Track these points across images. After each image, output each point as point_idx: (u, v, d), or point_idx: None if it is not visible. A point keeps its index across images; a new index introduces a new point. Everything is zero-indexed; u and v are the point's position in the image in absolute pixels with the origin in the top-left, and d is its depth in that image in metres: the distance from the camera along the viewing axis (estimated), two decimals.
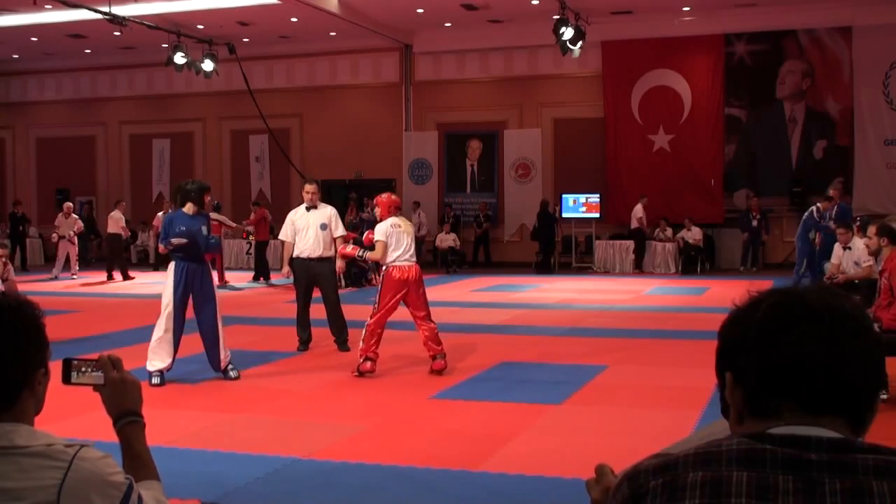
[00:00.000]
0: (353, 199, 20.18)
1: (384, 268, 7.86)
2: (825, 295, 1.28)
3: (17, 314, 1.74)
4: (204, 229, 7.87)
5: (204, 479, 5.02)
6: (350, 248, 8.46)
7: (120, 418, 1.94)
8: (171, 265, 7.84)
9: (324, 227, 9.25)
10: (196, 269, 7.79)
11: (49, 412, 1.92)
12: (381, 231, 7.84)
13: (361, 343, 7.87)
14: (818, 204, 14.30)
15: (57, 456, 1.66)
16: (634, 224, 19.67)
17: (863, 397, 1.26)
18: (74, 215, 19.43)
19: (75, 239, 19.12)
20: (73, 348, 8.93)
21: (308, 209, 9.32)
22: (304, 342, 9.51)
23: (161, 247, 8.05)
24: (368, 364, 7.82)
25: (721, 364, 1.33)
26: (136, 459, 1.90)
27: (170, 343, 7.62)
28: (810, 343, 1.24)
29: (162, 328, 7.63)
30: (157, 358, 7.59)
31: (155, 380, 7.53)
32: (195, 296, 7.79)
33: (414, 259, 7.92)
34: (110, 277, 18.32)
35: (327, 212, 9.37)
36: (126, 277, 18.17)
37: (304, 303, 9.46)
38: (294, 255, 9.37)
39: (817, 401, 1.24)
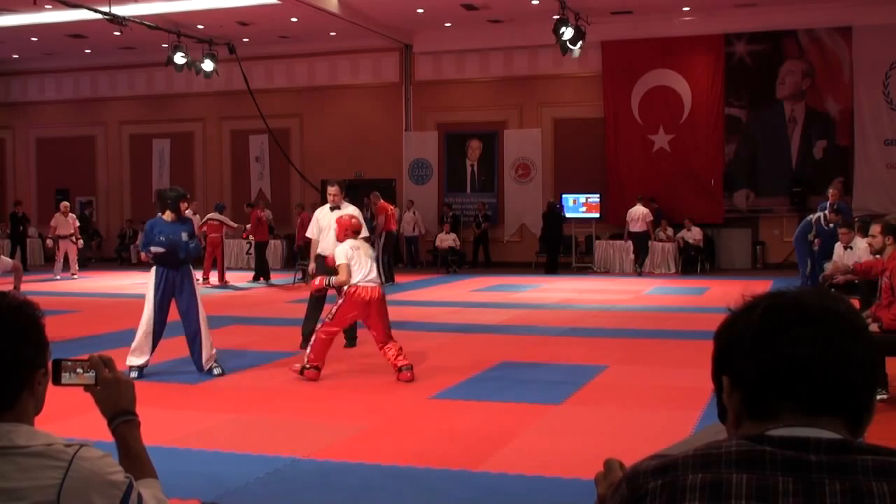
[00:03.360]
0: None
1: (345, 288, 7.75)
2: (820, 297, 1.30)
3: (17, 314, 1.74)
4: (184, 235, 8.09)
5: (204, 479, 5.02)
6: (317, 281, 8.33)
7: (115, 418, 1.94)
8: (153, 269, 8.13)
9: None
10: (176, 273, 8.04)
11: (49, 412, 1.92)
12: (341, 253, 7.79)
13: (309, 350, 7.81)
14: (826, 213, 13.04)
15: (57, 456, 1.66)
16: (641, 226, 19.46)
17: (860, 398, 1.27)
18: (72, 214, 19.41)
19: (74, 238, 19.11)
20: (74, 348, 8.93)
21: (332, 209, 9.48)
22: (307, 337, 9.50)
23: (142, 254, 8.32)
24: (314, 372, 7.78)
25: (718, 368, 1.34)
26: (134, 459, 1.91)
27: (149, 344, 7.97)
28: (807, 345, 1.25)
29: (142, 331, 7.98)
30: (135, 356, 7.94)
31: (133, 374, 7.76)
32: (178, 299, 8.06)
33: (377, 281, 7.85)
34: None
35: (349, 212, 9.45)
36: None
37: (317, 298, 9.51)
38: (318, 253, 9.64)
39: (815, 402, 1.25)
